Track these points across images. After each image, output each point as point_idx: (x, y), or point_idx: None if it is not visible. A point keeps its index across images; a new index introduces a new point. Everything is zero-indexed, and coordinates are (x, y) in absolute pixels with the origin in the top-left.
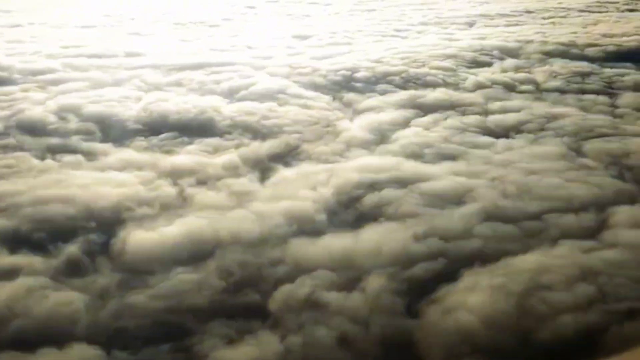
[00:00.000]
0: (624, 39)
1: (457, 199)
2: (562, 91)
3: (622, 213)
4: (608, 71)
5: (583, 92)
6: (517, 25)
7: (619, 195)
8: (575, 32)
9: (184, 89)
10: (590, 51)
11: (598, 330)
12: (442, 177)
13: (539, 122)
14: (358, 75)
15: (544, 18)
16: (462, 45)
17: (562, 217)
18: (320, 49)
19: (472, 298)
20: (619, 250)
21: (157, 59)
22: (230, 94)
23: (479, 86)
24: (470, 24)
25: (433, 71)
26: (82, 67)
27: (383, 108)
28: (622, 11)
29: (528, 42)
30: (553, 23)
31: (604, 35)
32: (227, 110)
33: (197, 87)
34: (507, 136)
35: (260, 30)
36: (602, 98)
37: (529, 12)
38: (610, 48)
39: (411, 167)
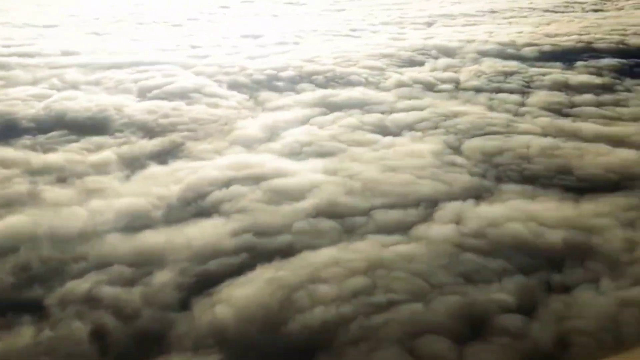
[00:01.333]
0: (564, 38)
1: (300, 195)
2: (478, 90)
3: (448, 209)
4: (533, 70)
5: (499, 91)
6: (474, 25)
7: (465, 192)
8: (521, 32)
9: (98, 88)
10: (526, 51)
11: (345, 321)
12: (301, 174)
13: (435, 120)
14: (283, 74)
15: (504, 18)
16: (404, 45)
17: (388, 212)
18: (262, 49)
19: (240, 292)
20: (419, 245)
21: (89, 58)
22: (143, 93)
23: (399, 85)
24: (430, 24)
25: (360, 70)
26: (8, 66)
27: (292, 107)
28: (587, 11)
29: (470, 41)
30: (510, 23)
31: (547, 35)
32: (129, 109)
33: (113, 86)
34: (398, 134)
35: (218, 30)
36: (514, 97)
37: (493, 12)
38: (546, 47)
39: (277, 164)
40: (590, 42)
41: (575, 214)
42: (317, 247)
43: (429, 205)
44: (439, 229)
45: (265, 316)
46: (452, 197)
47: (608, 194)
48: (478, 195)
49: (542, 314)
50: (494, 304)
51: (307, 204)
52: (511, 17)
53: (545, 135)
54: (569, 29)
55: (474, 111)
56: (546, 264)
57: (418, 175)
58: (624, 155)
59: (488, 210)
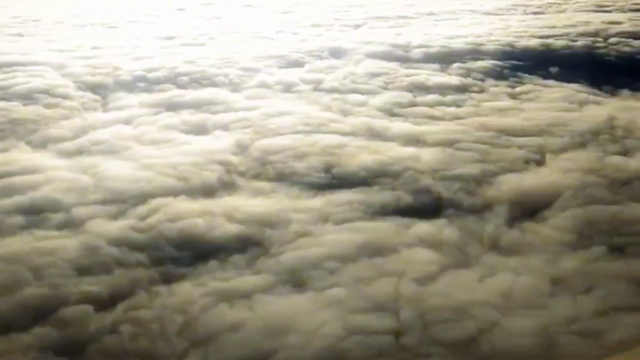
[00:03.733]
0: (460, 39)
1: (21, 190)
2: (333, 91)
3: (153, 204)
4: (403, 72)
5: (354, 92)
6: (402, 27)
7: (201, 189)
8: (428, 34)
9: None
10: (414, 52)
11: None
12: (55, 170)
13: (255, 119)
14: (151, 75)
15: (436, 20)
16: (303, 46)
17: (89, 208)
18: (159, 50)
19: None
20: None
21: None
22: None
23: (260, 86)
24: (358, 26)
25: (234, 72)
26: None
27: (131, 107)
28: (527, 14)
29: (367, 43)
30: (435, 25)
31: (448, 37)
32: None
33: None
34: (206, 133)
35: (144, 32)
36: (362, 98)
37: (430, 14)
38: (435, 49)
39: (33, 162)
40: (480, 44)
41: (277, 209)
42: None
43: (137, 202)
44: (107, 223)
45: None
46: (183, 192)
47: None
48: (211, 191)
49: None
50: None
51: (20, 199)
52: (443, 19)
53: (349, 134)
54: (480, 31)
55: (301, 111)
56: (189, 257)
57: (163, 172)
58: (395, 152)
59: (189, 206)
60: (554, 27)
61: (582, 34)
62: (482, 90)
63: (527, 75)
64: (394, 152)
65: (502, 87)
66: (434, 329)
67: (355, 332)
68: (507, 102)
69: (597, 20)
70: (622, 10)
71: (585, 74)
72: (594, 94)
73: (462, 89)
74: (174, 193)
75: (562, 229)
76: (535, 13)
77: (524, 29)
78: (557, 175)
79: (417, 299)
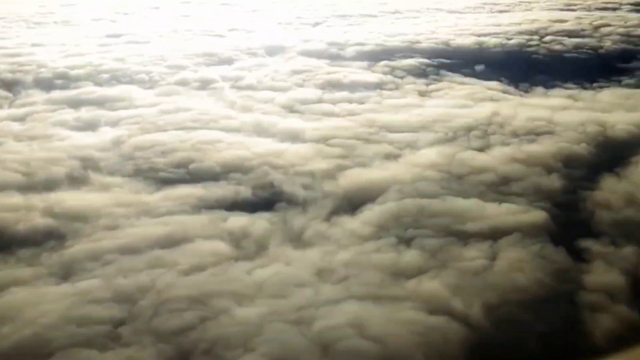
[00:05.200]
0: (400, 38)
1: None
2: (249, 88)
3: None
4: (327, 69)
5: (270, 89)
6: (359, 25)
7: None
8: (372, 32)
9: None
10: (349, 50)
11: None
12: None
13: (147, 115)
14: (72, 72)
15: (397, 18)
16: (241, 44)
17: None
18: (98, 47)
19: None
20: None
21: None
22: None
23: (178, 83)
24: (316, 24)
25: (157, 69)
26: None
27: (36, 103)
28: (494, 12)
29: (306, 40)
30: (392, 23)
31: (389, 35)
32: None
33: None
34: (87, 129)
35: (97, 29)
36: (272, 94)
37: (396, 12)
38: (369, 47)
39: None
40: (417, 42)
41: (103, 204)
42: None
43: None
44: None
45: None
46: (20, 187)
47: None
48: (52, 186)
49: None
50: None
51: None
52: (405, 17)
53: (233, 130)
54: (426, 29)
55: (200, 108)
56: None
57: (11, 167)
58: (263, 148)
59: (10, 200)
60: (499, 25)
61: (521, 32)
62: (396, 88)
63: (449, 73)
64: (262, 148)
65: (417, 84)
66: (159, 319)
67: (71, 322)
68: (410, 100)
69: (544, 19)
70: (588, 9)
71: (508, 71)
72: (505, 92)
73: (376, 86)
74: (7, 187)
75: (368, 222)
76: (501, 11)
77: (467, 27)
78: (400, 170)
79: (166, 290)
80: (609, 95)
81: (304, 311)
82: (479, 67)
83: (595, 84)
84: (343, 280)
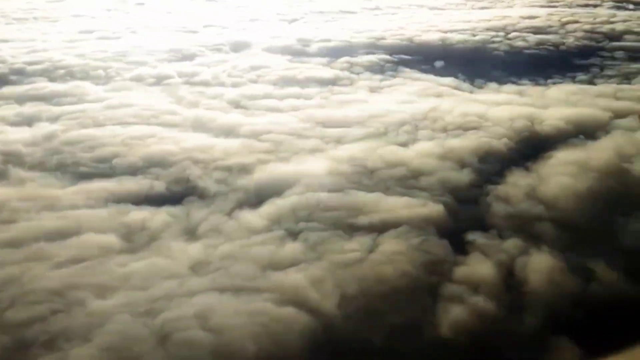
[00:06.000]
0: (367, 34)
1: None
2: (201, 84)
3: None
4: (287, 65)
5: (221, 84)
6: (335, 21)
7: None
8: (344, 28)
9: None
10: (314, 47)
11: None
12: None
13: (88, 110)
14: (30, 68)
15: (374, 15)
16: (212, 40)
17: None
18: (67, 43)
19: None
20: None
21: None
22: None
23: (133, 79)
24: (294, 20)
25: (115, 65)
26: None
27: None
28: (475, 9)
29: (275, 37)
30: (369, 20)
31: (358, 32)
32: None
33: None
34: (24, 124)
35: (72, 26)
36: (221, 90)
37: (376, 8)
38: (334, 44)
39: None
40: (382, 39)
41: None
42: None
43: None
44: None
45: None
46: None
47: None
48: None
49: None
50: None
51: None
52: (383, 14)
53: (170, 125)
54: (396, 25)
55: (145, 103)
56: None
57: None
58: (192, 143)
59: None
60: (469, 21)
61: (488, 29)
62: (350, 84)
63: (407, 69)
64: (191, 144)
65: (372, 80)
66: (12, 311)
67: None
68: (358, 96)
69: (515, 15)
70: (569, 6)
71: (467, 68)
72: (457, 88)
73: (329, 82)
74: None
75: (265, 215)
76: (482, 8)
77: (437, 24)
78: (317, 164)
79: (30, 282)
80: (557, 91)
81: (157, 303)
82: (439, 63)
83: (549, 80)
84: (214, 272)
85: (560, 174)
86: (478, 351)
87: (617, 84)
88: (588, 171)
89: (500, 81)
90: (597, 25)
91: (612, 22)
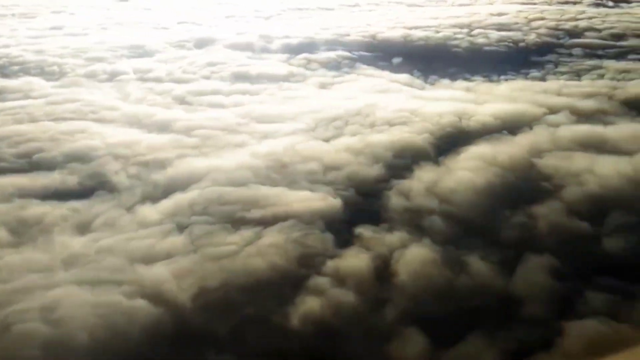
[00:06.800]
0: (332, 30)
1: None
2: (153, 80)
3: None
4: (242, 62)
5: (171, 81)
6: (309, 18)
7: None
8: (313, 26)
9: None
10: (277, 43)
11: None
12: None
13: (18, 108)
14: None
15: (352, 12)
16: (177, 37)
17: None
18: (29, 39)
19: None
20: None
21: None
22: None
23: (85, 75)
24: (269, 17)
25: (72, 61)
26: None
27: None
28: (455, 5)
29: (240, 34)
30: (343, 17)
31: (325, 28)
32: None
33: None
34: None
35: (44, 22)
36: (172, 86)
37: (355, 5)
38: (298, 40)
39: None
40: (345, 35)
41: None
42: None
43: None
44: None
45: None
46: None
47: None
48: None
49: None
50: None
51: None
52: (360, 10)
53: (105, 121)
54: (364, 22)
55: (89, 99)
56: None
57: None
58: (119, 138)
59: None
60: (437, 18)
61: (454, 25)
62: (302, 80)
63: (364, 65)
64: (118, 139)
65: (325, 77)
66: None
67: None
68: (305, 92)
69: (484, 12)
70: (548, 3)
71: (423, 64)
72: (408, 84)
73: (281, 79)
74: None
75: (163, 210)
76: (462, 5)
77: (405, 20)
78: (233, 159)
79: None
80: (505, 87)
81: (12, 296)
82: (397, 60)
83: (502, 77)
84: (83, 265)
85: (464, 169)
86: (323, 340)
87: (567, 80)
88: (492, 166)
89: (454, 77)
90: (562, 22)
91: (577, 19)
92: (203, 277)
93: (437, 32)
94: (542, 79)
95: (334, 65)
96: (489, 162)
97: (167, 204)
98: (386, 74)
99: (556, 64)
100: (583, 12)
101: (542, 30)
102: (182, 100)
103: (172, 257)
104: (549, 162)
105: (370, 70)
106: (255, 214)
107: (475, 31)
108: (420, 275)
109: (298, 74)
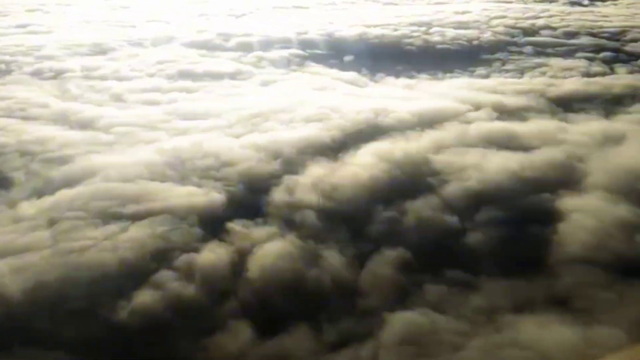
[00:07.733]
0: (292, 29)
1: None
2: (99, 78)
3: None
4: (194, 59)
5: (116, 79)
6: (280, 16)
7: None
8: (279, 23)
9: None
10: (234, 41)
11: None
12: None
13: None
14: None
15: (326, 10)
16: (139, 35)
17: None
18: None
19: None
20: None
21: None
22: None
23: (31, 73)
24: (241, 16)
25: (23, 59)
26: None
27: None
28: (430, 4)
29: (200, 31)
30: (316, 15)
31: (286, 26)
32: None
33: None
34: None
35: (19, 20)
36: (108, 83)
37: (331, 4)
38: (256, 38)
39: None
40: (303, 33)
41: None
42: None
43: None
44: None
45: None
46: None
47: None
48: None
49: None
50: None
51: None
52: (334, 9)
53: (30, 119)
54: (325, 20)
55: (22, 96)
56: None
57: None
58: (40, 134)
59: None
60: (400, 16)
61: (413, 24)
62: (247, 77)
63: (313, 63)
64: (33, 136)
65: (271, 75)
66: None
67: None
68: (244, 89)
69: (449, 10)
70: (525, 2)
71: (373, 62)
72: (351, 82)
73: (226, 76)
74: None
75: (41, 206)
76: (438, 3)
77: (368, 19)
78: (136, 155)
79: None
80: (445, 84)
81: None
82: (348, 58)
83: (448, 74)
84: None
85: (356, 164)
86: (148, 333)
87: (509, 77)
88: (384, 162)
89: (399, 75)
90: (521, 21)
91: (538, 18)
92: (42, 272)
93: (395, 30)
94: (487, 76)
95: (283, 63)
96: (382, 158)
97: (49, 199)
98: (333, 71)
99: (504, 62)
100: (547, 10)
101: (499, 29)
102: (118, 98)
103: (27, 252)
104: (443, 159)
105: (318, 68)
106: (130, 209)
107: (433, 29)
108: (270, 269)
109: (245, 71)
